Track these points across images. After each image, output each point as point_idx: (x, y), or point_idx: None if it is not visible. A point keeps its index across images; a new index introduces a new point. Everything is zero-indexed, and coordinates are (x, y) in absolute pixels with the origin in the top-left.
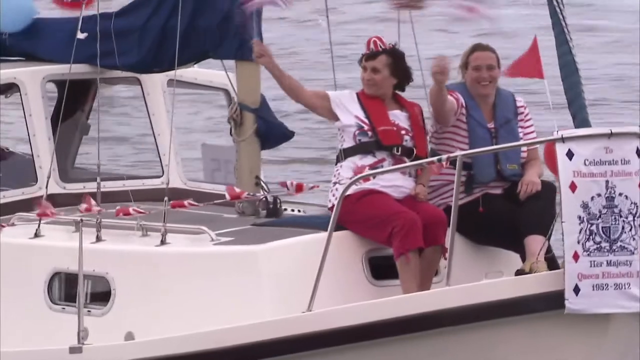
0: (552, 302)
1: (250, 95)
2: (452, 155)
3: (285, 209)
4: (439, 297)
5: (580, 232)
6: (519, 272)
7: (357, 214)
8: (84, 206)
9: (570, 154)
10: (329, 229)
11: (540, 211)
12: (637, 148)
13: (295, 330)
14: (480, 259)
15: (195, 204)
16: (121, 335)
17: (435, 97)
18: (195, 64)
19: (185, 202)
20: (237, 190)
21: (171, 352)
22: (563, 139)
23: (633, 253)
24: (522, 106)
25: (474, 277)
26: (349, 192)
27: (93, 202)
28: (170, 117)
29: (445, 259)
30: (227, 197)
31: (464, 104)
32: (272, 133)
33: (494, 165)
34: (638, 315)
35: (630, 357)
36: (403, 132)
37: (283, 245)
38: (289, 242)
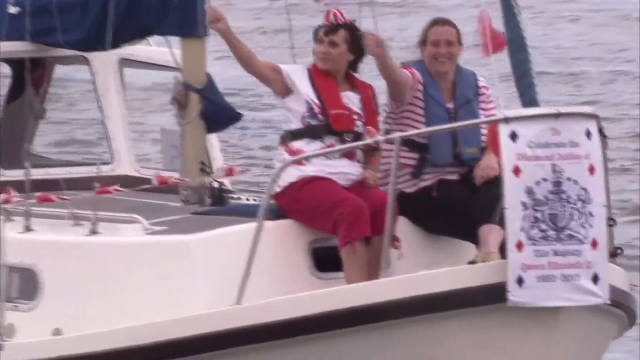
0: (494, 294)
1: (196, 75)
2: (389, 136)
3: (240, 198)
4: (371, 289)
5: (524, 219)
6: (471, 264)
7: (301, 202)
8: (3, 196)
9: (514, 136)
10: (258, 217)
11: (496, 199)
12: (587, 130)
13: (222, 325)
14: (434, 250)
15: (121, 189)
16: (50, 331)
17: (383, 69)
18: (140, 40)
19: (110, 189)
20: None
21: (97, 348)
22: (506, 120)
23: (582, 242)
24: (484, 86)
25: (427, 269)
26: (292, 180)
27: (13, 192)
28: (121, 98)
29: (396, 248)
30: (155, 182)
31: (420, 80)
32: (218, 115)
33: (452, 147)
34: (590, 309)
35: (584, 354)
36: (355, 116)
37: (217, 235)
38: (223, 232)
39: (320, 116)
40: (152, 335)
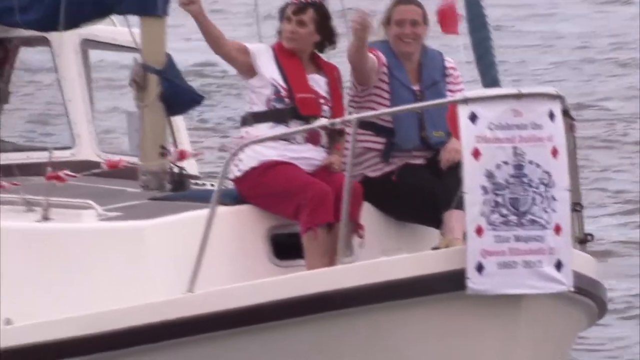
0: (454, 282)
1: (155, 55)
2: (345, 118)
3: (204, 183)
4: (327, 276)
5: (484, 203)
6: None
7: (262, 187)
8: None
9: (473, 117)
10: (211, 202)
11: (461, 183)
12: (550, 111)
13: (173, 314)
14: (399, 237)
15: (72, 174)
16: (1, 321)
17: (356, 55)
18: (100, 20)
19: (61, 173)
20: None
21: (47, 338)
22: (466, 100)
23: (545, 227)
24: (451, 67)
25: (385, 256)
26: (253, 164)
27: None
28: (83, 81)
29: (360, 236)
30: (104, 166)
31: (385, 63)
32: (178, 97)
33: (418, 131)
34: (554, 297)
35: (550, 344)
36: (322, 100)
37: (172, 221)
38: (178, 218)
39: (286, 100)
40: (100, 325)
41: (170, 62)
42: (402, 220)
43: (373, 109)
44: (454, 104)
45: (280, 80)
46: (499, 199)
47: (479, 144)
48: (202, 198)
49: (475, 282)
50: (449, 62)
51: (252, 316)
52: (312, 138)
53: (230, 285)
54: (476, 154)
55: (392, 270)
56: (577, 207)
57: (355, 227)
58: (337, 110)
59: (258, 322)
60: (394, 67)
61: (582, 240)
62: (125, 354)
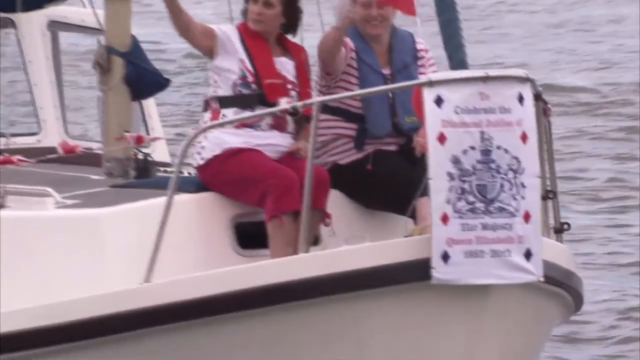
0: (418, 271)
1: (120, 37)
2: (307, 102)
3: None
4: (288, 266)
5: (450, 190)
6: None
7: (226, 174)
8: None
9: (439, 101)
10: (169, 189)
11: None
12: (520, 94)
13: (128, 305)
14: (371, 226)
15: (25, 159)
16: None
17: (334, 46)
18: (62, 1)
19: (14, 158)
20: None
21: None
22: (431, 83)
23: (514, 215)
24: (423, 49)
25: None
26: (216, 152)
27: None
28: (51, 64)
29: (327, 225)
30: (60, 151)
31: (353, 47)
32: (144, 81)
33: (390, 117)
34: (524, 288)
35: (520, 336)
36: (289, 85)
37: (130, 209)
38: (137, 206)
39: (253, 85)
40: (53, 316)
41: (135, 44)
42: (375, 209)
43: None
44: (419, 86)
45: (247, 65)
46: (466, 186)
47: (444, 128)
48: (164, 185)
49: (440, 272)
50: (420, 43)
51: (209, 307)
52: (278, 124)
53: (190, 274)
54: (442, 138)
55: (355, 259)
56: (550, 194)
57: (323, 215)
58: (304, 94)
59: (216, 313)
60: (362, 51)
61: (559, 229)
62: (80, 347)
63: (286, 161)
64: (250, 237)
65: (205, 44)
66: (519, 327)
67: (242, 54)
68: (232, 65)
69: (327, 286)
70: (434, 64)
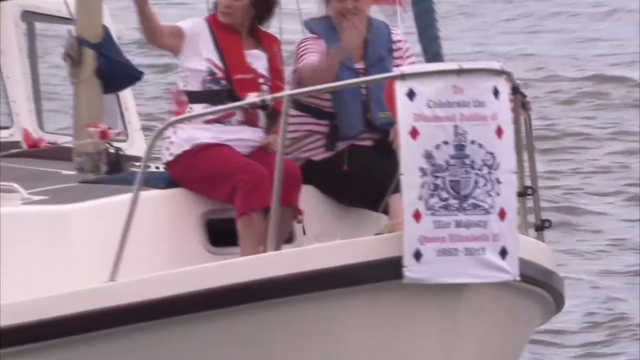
0: (390, 270)
1: (91, 28)
2: (276, 95)
3: (149, 166)
4: (254, 265)
5: (422, 186)
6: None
7: (195, 170)
8: None
9: (411, 94)
10: (135, 185)
11: None
12: (495, 87)
13: (92, 305)
14: (346, 223)
15: None
16: None
17: (325, 75)
18: None
19: None
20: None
21: None
22: (403, 76)
23: (488, 212)
24: (399, 40)
25: (318, 242)
26: (185, 147)
27: None
28: (24, 56)
29: (299, 222)
30: (24, 145)
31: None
32: (116, 73)
33: (362, 114)
34: (500, 287)
35: (497, 336)
36: (261, 80)
37: (98, 205)
38: (105, 202)
39: (223, 81)
40: (13, 316)
41: (107, 36)
42: (350, 206)
43: (313, 96)
44: (391, 79)
45: (217, 60)
46: (439, 182)
47: (417, 122)
48: (134, 181)
49: (412, 271)
50: (396, 34)
51: (175, 307)
52: (249, 119)
53: (156, 273)
54: (414, 133)
55: (324, 258)
56: (528, 190)
57: (294, 212)
58: (276, 88)
59: (182, 312)
60: (331, 47)
61: (539, 226)
62: (43, 347)
63: (257, 156)
64: (221, 235)
65: (174, 45)
66: (496, 326)
67: (212, 50)
68: (199, 63)
69: (296, 285)
70: (411, 55)
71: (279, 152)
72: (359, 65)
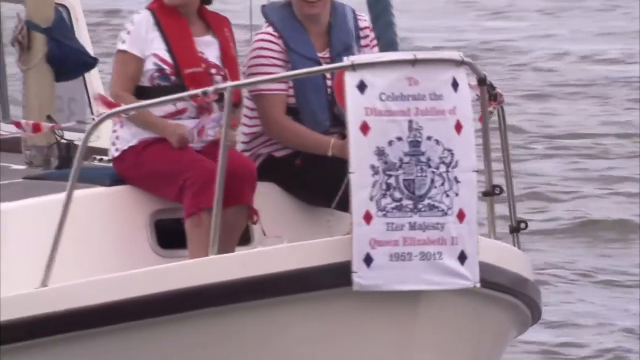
0: (338, 276)
1: (41, 11)
2: (218, 86)
3: (102, 159)
4: (192, 270)
5: (373, 185)
6: None
7: (142, 167)
8: None
9: (362, 86)
10: (69, 184)
11: None
12: (454, 79)
13: (21, 312)
14: (311, 223)
15: None
16: None
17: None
18: None
19: None
20: None
21: None
22: (353, 66)
23: (446, 213)
24: (367, 27)
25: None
26: (132, 143)
27: None
28: None
29: (254, 222)
30: None
31: (282, 47)
32: (68, 60)
33: (328, 109)
34: (460, 294)
35: (462, 349)
36: (213, 70)
37: (35, 204)
38: (43, 201)
39: (172, 77)
40: None
41: (59, 19)
42: (313, 205)
43: (271, 89)
44: (341, 70)
45: (164, 55)
46: (392, 181)
47: (368, 116)
48: (84, 177)
49: (362, 277)
50: (364, 20)
51: (107, 315)
52: (202, 113)
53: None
54: (365, 128)
55: (269, 262)
56: (496, 190)
57: (250, 212)
58: (232, 77)
59: (114, 322)
60: (292, 40)
61: (515, 228)
62: None
63: (210, 152)
64: (172, 236)
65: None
66: (459, 337)
67: (158, 42)
68: (148, 63)
69: (237, 292)
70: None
71: (222, 147)
72: (323, 55)
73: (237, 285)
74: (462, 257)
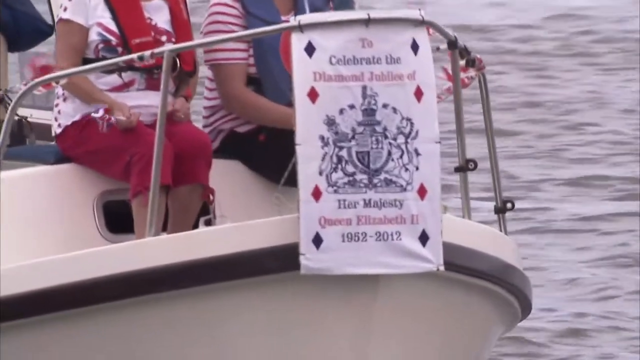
0: (284, 259)
1: None
2: (156, 50)
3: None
4: (130, 253)
5: (323, 158)
6: None
7: (87, 143)
8: None
9: (310, 49)
10: None
11: None
12: (413, 41)
13: None
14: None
15: None
16: None
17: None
18: None
19: None
20: None
21: None
22: (300, 27)
23: (405, 189)
24: None
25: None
26: (75, 117)
27: None
28: None
29: (210, 203)
30: None
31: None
32: (22, 28)
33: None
34: (424, 279)
35: (430, 340)
36: (164, 37)
37: None
38: None
39: (119, 48)
40: None
41: None
42: (277, 183)
43: (229, 59)
44: (287, 31)
45: (109, 23)
46: (343, 153)
47: (316, 82)
48: (24, 157)
49: (311, 259)
50: None
51: (35, 304)
52: (153, 84)
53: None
54: (313, 95)
55: (210, 245)
56: (470, 164)
57: (205, 191)
58: (185, 41)
59: (45, 311)
60: (252, 2)
61: (500, 209)
62: None
63: None
64: (122, 219)
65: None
66: (425, 327)
67: (102, 10)
68: (92, 34)
69: (174, 278)
70: (355, 2)
71: (160, 120)
72: (288, 18)
73: (173, 270)
74: (423, 238)
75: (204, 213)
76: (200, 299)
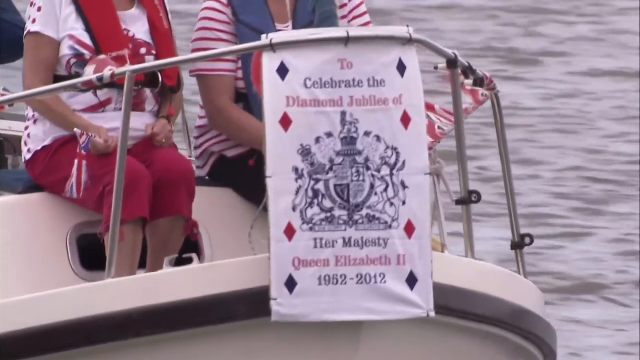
0: (254, 304)
1: None
2: (117, 71)
3: None
4: (87, 297)
5: (297, 192)
6: None
7: (58, 169)
8: None
9: (283, 70)
10: None
11: None
12: (400, 61)
13: None
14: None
15: None
16: None
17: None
18: None
19: None
20: None
21: None
22: (272, 46)
23: (390, 226)
24: None
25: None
26: (46, 142)
27: None
28: None
29: (193, 238)
30: None
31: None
32: (7, 36)
33: None
34: (415, 326)
35: None
36: (143, 50)
37: None
38: None
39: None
40: None
41: None
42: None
43: (221, 70)
44: (258, 51)
45: (82, 36)
46: (320, 186)
47: (289, 107)
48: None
49: (283, 305)
50: None
51: None
52: (133, 102)
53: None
54: (285, 121)
55: (173, 288)
56: (473, 196)
57: (188, 224)
58: (163, 55)
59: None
60: (242, 8)
61: (518, 244)
62: None
63: (139, 150)
64: (99, 254)
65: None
66: None
67: (74, 20)
68: (63, 48)
69: (136, 325)
70: (365, 12)
71: (121, 144)
72: (284, 27)
73: (132, 317)
74: (411, 280)
75: (194, 249)
76: (162, 348)
